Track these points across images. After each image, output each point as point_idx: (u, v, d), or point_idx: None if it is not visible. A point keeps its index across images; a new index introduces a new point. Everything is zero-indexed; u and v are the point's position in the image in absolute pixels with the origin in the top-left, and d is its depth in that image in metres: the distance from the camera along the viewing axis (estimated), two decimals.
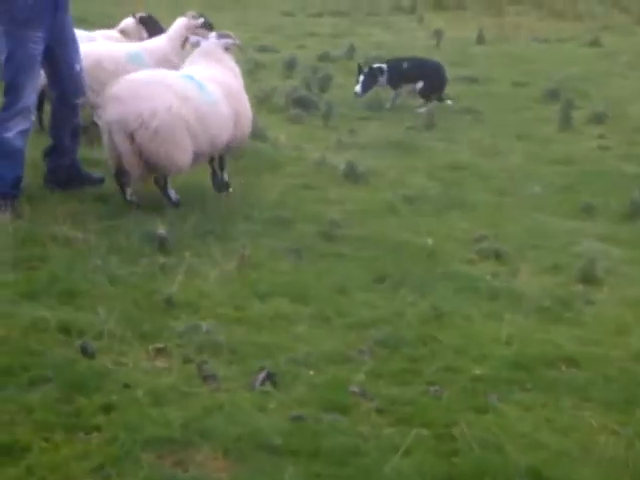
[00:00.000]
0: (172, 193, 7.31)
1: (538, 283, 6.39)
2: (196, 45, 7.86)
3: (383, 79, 11.24)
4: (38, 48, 7.08)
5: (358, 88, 11.12)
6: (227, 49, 7.89)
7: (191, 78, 7.33)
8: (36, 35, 7.04)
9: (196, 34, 8.37)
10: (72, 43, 7.49)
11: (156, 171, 7.20)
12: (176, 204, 7.26)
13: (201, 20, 9.12)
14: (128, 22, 10.07)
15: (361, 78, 11.13)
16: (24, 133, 7.17)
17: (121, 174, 7.18)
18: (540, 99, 11.72)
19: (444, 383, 5.03)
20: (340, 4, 18.88)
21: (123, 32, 9.93)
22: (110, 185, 7.64)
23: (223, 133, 7.41)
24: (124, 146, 6.96)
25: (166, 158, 7.03)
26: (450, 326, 5.70)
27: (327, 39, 15.57)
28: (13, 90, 7.08)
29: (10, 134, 7.08)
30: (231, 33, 8.12)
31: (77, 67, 7.56)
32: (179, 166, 7.16)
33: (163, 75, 7.36)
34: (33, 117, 7.30)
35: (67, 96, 7.53)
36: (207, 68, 7.62)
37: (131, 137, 6.93)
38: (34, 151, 8.30)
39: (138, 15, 10.03)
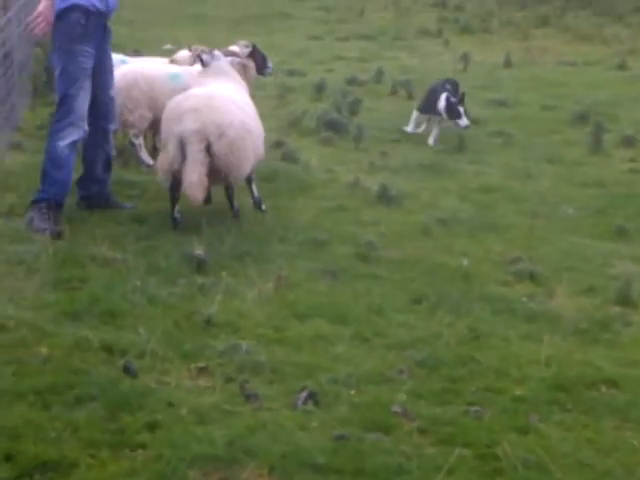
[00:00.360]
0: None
1: (574, 305, 6.41)
2: (207, 64, 8.03)
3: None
4: (89, 62, 7.39)
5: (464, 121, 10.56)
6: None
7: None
8: (86, 50, 7.35)
9: (242, 63, 8.46)
10: (110, 69, 7.77)
11: (223, 181, 7.47)
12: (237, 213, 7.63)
13: (248, 50, 9.09)
14: (182, 54, 9.96)
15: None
16: (75, 143, 7.44)
17: (176, 188, 7.31)
18: (569, 122, 11.75)
19: (484, 403, 5.06)
20: (367, 28, 18.97)
21: (174, 62, 9.79)
22: (147, 206, 7.73)
23: (260, 147, 7.71)
24: (199, 156, 7.14)
25: (237, 168, 7.34)
26: (488, 347, 5.72)
27: (355, 63, 15.65)
28: (66, 102, 7.35)
29: (63, 144, 7.32)
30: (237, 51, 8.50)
31: (111, 93, 7.77)
32: (244, 176, 7.56)
33: (226, 91, 7.66)
34: (86, 127, 7.46)
35: (101, 121, 7.70)
36: (228, 87, 7.83)
37: (207, 147, 7.15)
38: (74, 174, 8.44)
39: (194, 48, 9.78)
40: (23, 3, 10.83)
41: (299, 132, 10.73)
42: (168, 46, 15.77)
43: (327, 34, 18.45)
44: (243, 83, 8.19)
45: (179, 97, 7.51)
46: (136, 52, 13.76)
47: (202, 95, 7.47)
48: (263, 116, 11.29)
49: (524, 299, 6.49)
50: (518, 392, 5.17)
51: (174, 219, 7.40)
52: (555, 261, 7.21)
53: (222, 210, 7.71)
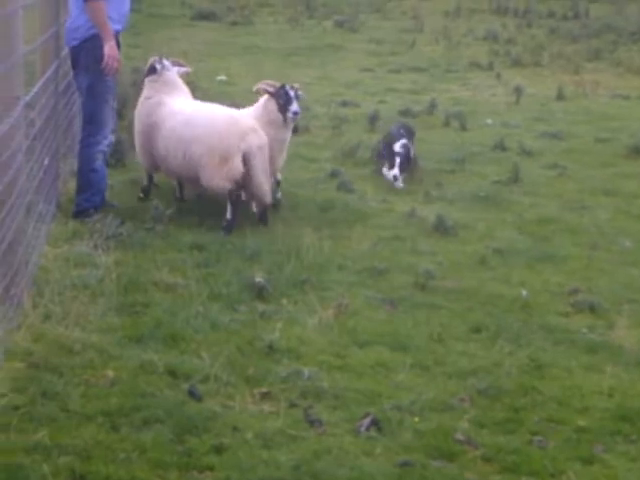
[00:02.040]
0: None
1: (636, 336, 6.39)
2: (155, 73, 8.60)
3: None
4: (112, 79, 8.05)
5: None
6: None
7: None
8: (117, 69, 7.98)
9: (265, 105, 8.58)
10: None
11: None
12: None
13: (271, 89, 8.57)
14: None
15: None
16: (105, 153, 8.15)
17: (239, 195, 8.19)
18: (624, 155, 11.69)
19: (548, 433, 5.07)
20: (418, 61, 19.04)
21: None
22: (205, 234, 7.82)
23: None
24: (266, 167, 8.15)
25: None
26: (550, 377, 5.73)
27: (406, 95, 15.68)
28: (96, 119, 8.02)
29: (97, 155, 8.00)
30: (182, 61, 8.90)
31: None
32: None
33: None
34: (112, 138, 8.23)
35: None
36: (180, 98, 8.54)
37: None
38: (131, 201, 8.56)
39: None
40: None
41: (354, 162, 10.78)
42: (222, 77, 15.97)
43: (378, 66, 18.51)
44: (189, 93, 8.78)
45: (225, 117, 8.25)
46: (191, 83, 13.96)
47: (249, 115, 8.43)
48: (318, 146, 11.55)
49: (584, 330, 6.48)
50: (581, 422, 5.18)
51: (232, 222, 8.06)
52: (614, 293, 7.18)
53: (281, 238, 7.78)
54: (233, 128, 8.05)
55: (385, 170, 10.14)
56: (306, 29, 23.11)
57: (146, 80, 8.71)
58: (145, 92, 8.63)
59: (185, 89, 8.76)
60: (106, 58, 7.85)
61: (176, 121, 8.27)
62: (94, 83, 7.95)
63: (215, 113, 8.39)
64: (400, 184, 9.91)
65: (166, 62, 8.62)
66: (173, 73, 8.63)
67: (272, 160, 8.35)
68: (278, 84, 8.55)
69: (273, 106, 8.46)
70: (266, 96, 8.53)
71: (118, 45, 8.15)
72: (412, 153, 10.38)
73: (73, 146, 9.32)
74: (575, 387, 5.59)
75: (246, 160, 7.98)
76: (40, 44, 7.55)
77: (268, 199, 8.25)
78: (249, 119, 8.33)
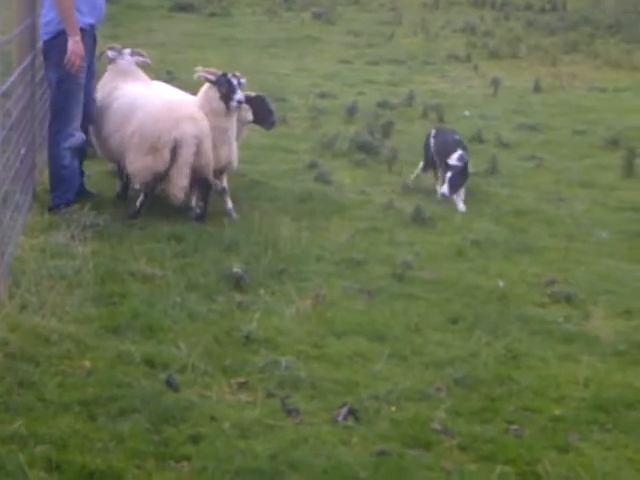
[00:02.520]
0: None
1: (612, 327, 6.43)
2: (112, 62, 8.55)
3: None
4: (82, 76, 7.94)
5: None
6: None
7: None
8: (82, 65, 7.85)
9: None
10: (94, 74, 8.37)
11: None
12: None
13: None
14: None
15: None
16: (76, 149, 8.04)
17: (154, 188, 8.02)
18: (601, 147, 11.77)
19: (524, 422, 5.10)
20: (396, 53, 19.06)
21: None
22: (183, 224, 7.81)
23: None
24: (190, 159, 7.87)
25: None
26: (526, 367, 5.76)
27: (385, 87, 15.70)
28: (63, 115, 7.93)
29: (66, 151, 7.94)
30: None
31: (94, 96, 8.34)
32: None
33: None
34: (83, 135, 8.11)
35: (84, 121, 8.17)
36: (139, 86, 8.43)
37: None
38: (109, 192, 8.54)
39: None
40: None
41: (332, 154, 10.79)
42: (199, 68, 15.94)
43: (356, 58, 18.54)
44: (149, 81, 8.68)
45: (163, 102, 8.12)
46: (169, 73, 13.91)
47: (189, 103, 8.19)
48: (296, 137, 11.55)
49: (560, 320, 6.51)
50: (557, 412, 5.21)
51: (138, 211, 7.97)
52: (591, 284, 7.22)
53: (259, 229, 7.77)
54: (167, 114, 7.91)
55: (438, 187, 9.31)
56: (284, 21, 23.10)
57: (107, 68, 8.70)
58: (102, 80, 8.59)
59: (142, 76, 8.62)
60: (69, 54, 7.76)
61: (119, 103, 8.24)
62: (63, 78, 7.87)
63: (156, 97, 8.26)
64: (461, 207, 9.03)
65: (124, 50, 8.55)
66: (128, 61, 8.53)
67: (215, 150, 8.12)
68: (220, 72, 8.32)
69: (214, 94, 8.13)
70: (207, 84, 8.24)
71: (94, 39, 8.13)
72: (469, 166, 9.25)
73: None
74: (551, 377, 5.62)
75: (176, 148, 7.80)
76: (16, 34, 7.50)
77: (180, 196, 7.89)
78: (190, 107, 8.10)
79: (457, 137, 9.59)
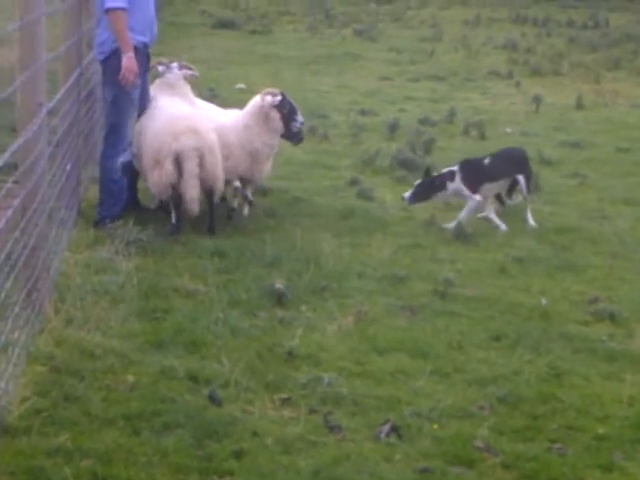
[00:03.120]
0: None
1: None
2: (161, 76, 8.69)
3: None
4: (136, 93, 8.18)
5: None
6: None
7: None
8: (135, 82, 8.05)
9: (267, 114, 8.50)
10: (147, 92, 8.50)
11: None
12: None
13: (278, 99, 8.52)
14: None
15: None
16: (125, 165, 8.21)
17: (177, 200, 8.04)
18: None
19: (567, 441, 5.07)
20: (437, 70, 19.06)
21: None
22: (226, 240, 7.86)
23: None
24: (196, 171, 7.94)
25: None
26: (569, 385, 5.73)
27: (426, 103, 15.70)
28: (117, 131, 8.17)
29: (117, 166, 8.12)
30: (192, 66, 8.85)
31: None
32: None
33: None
34: (132, 150, 8.26)
35: None
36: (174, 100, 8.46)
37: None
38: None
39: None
40: None
41: (373, 171, 10.81)
42: (241, 85, 16.02)
43: (397, 75, 18.54)
44: (190, 97, 8.70)
45: (170, 115, 8.19)
46: (210, 90, 14.01)
47: (194, 117, 8.24)
48: (337, 154, 11.58)
49: (604, 338, 6.46)
50: (601, 430, 5.18)
51: (176, 226, 8.05)
52: (635, 302, 7.16)
53: (300, 246, 7.80)
54: (168, 127, 8.00)
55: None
56: (325, 38, 23.18)
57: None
58: (151, 93, 8.67)
59: (185, 91, 8.67)
60: (123, 70, 7.95)
61: (146, 116, 8.37)
62: (117, 95, 8.11)
63: (168, 111, 8.27)
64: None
65: (172, 65, 8.66)
66: (176, 75, 8.64)
67: (259, 165, 8.48)
68: (278, 92, 8.53)
69: (276, 114, 8.40)
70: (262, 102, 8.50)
71: (148, 58, 8.32)
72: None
73: (94, 153, 9.38)
74: (594, 395, 5.59)
75: (179, 161, 7.88)
76: (63, 52, 7.60)
77: (193, 208, 7.95)
78: (195, 120, 8.13)
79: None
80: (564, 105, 15.64)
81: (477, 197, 8.90)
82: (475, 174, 9.00)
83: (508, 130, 13.50)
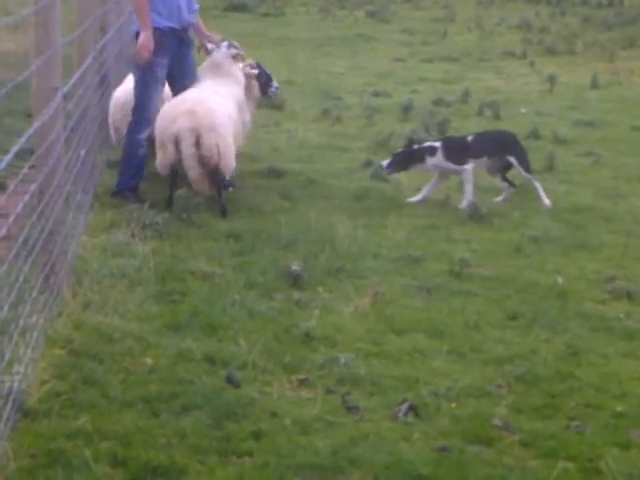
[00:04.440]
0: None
1: None
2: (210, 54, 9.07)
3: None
4: (162, 72, 8.55)
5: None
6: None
7: None
8: (160, 61, 8.48)
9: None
10: (188, 74, 8.80)
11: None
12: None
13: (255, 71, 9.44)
14: None
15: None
16: (146, 140, 8.55)
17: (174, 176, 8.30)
18: None
19: (585, 419, 5.07)
20: (450, 50, 19.01)
21: None
22: (240, 223, 7.88)
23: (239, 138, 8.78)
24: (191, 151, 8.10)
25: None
26: (587, 364, 5.72)
27: (439, 84, 15.66)
28: (142, 106, 8.50)
29: (139, 140, 8.51)
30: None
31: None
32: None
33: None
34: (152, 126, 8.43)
35: None
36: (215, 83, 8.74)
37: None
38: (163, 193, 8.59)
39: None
40: (118, 27, 11.11)
41: (387, 152, 10.75)
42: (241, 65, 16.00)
43: (410, 56, 18.51)
44: (236, 75, 9.01)
45: (172, 100, 8.54)
46: None
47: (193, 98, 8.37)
48: (351, 136, 11.57)
49: (621, 317, 6.45)
50: (619, 408, 5.17)
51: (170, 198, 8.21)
52: None
53: (316, 227, 7.81)
54: (169, 111, 8.23)
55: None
56: (338, 19, 23.14)
57: None
58: (199, 72, 9.06)
59: (231, 70, 8.98)
60: (137, 47, 8.37)
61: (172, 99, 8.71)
62: (143, 75, 8.48)
63: (183, 94, 8.52)
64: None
65: (222, 43, 9.03)
66: (223, 54, 8.96)
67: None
68: (253, 62, 9.37)
69: (255, 83, 9.37)
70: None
71: (184, 42, 8.71)
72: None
73: (108, 138, 9.40)
74: (612, 373, 5.58)
75: (177, 143, 8.05)
76: (77, 36, 7.61)
77: (199, 187, 8.21)
78: (191, 103, 8.23)
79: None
80: (578, 84, 15.59)
81: (467, 166, 9.00)
82: (459, 150, 9.10)
83: (522, 110, 13.47)
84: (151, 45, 8.31)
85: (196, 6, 8.89)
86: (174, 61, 8.62)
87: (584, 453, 4.70)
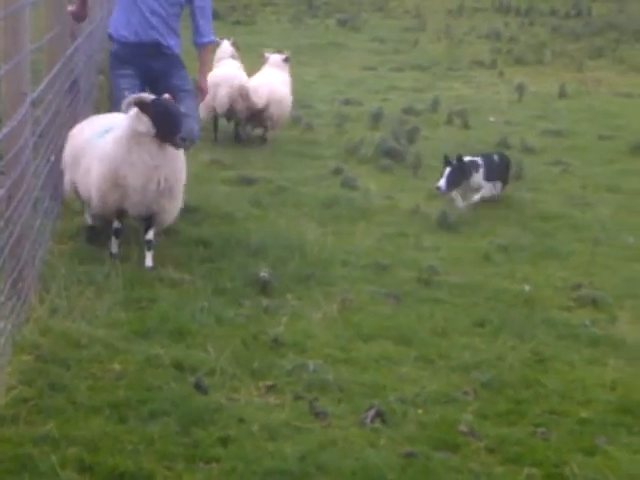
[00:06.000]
0: None
1: (638, 330, 6.42)
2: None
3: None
4: (129, 83, 8.14)
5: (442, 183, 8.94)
6: None
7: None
8: (124, 72, 8.22)
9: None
10: (175, 89, 8.08)
11: None
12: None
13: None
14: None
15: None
16: None
17: None
18: (627, 152, 11.73)
19: (550, 425, 5.11)
20: (421, 59, 19.09)
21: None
22: (210, 229, 7.88)
23: None
24: None
25: None
26: (552, 370, 5.77)
27: (409, 93, 15.71)
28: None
29: None
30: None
31: (181, 109, 7.92)
32: None
33: None
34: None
35: None
36: None
37: None
38: None
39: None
40: (89, 32, 11.08)
41: (357, 160, 10.84)
42: None
43: (381, 65, 18.57)
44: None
45: None
46: (195, 81, 13.93)
47: None
48: (321, 144, 11.60)
49: (587, 324, 6.51)
50: (584, 414, 5.22)
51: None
52: (617, 287, 7.23)
53: (285, 234, 7.83)
54: None
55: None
56: (309, 28, 23.18)
57: None
58: None
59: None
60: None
61: None
62: (114, 89, 8.46)
63: None
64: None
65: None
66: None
67: None
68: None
69: None
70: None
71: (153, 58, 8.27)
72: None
73: None
74: (578, 380, 5.63)
75: None
76: (47, 42, 7.59)
77: None
78: None
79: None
80: (547, 94, 15.70)
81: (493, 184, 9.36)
82: (494, 170, 9.34)
83: (491, 119, 13.56)
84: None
85: (204, 39, 8.59)
86: (150, 77, 8.24)
87: (549, 459, 4.75)
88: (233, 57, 11.82)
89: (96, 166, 6.92)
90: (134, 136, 6.78)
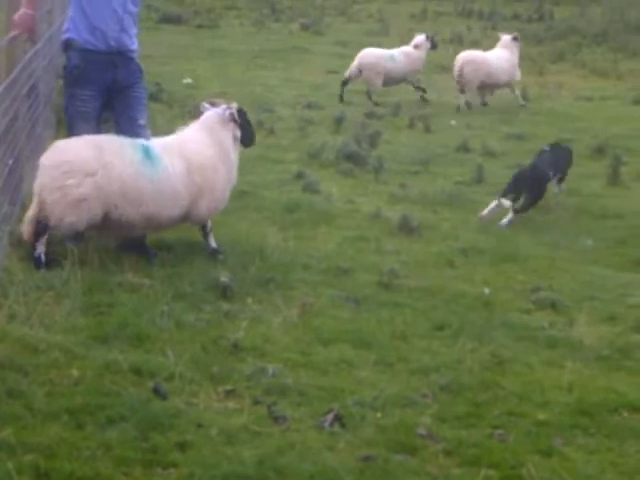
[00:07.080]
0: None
1: (595, 333, 6.49)
2: None
3: None
4: (88, 105, 7.57)
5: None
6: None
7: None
8: (85, 94, 7.55)
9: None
10: (135, 103, 7.76)
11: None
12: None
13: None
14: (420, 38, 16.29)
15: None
16: None
17: None
18: (587, 155, 11.86)
19: (508, 427, 5.15)
20: None
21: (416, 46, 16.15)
22: (171, 234, 7.85)
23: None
24: None
25: None
26: (511, 373, 5.82)
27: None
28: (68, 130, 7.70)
29: None
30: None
31: (141, 122, 7.82)
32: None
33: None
34: None
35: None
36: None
37: None
38: None
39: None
40: (49, 36, 11.02)
41: (319, 164, 10.87)
42: (188, 80, 15.97)
43: (344, 69, 18.53)
44: None
45: None
46: (157, 85, 13.90)
47: None
48: (283, 148, 11.61)
49: (545, 326, 6.57)
50: (541, 416, 5.26)
51: None
52: (575, 290, 7.30)
53: (246, 239, 7.82)
54: None
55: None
56: (272, 32, 23.19)
57: None
58: None
59: None
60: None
61: None
62: (66, 105, 7.79)
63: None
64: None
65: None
66: None
67: None
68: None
69: None
70: None
71: (112, 65, 7.65)
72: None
73: (36, 149, 9.31)
74: (535, 382, 5.68)
75: None
76: (4, 45, 7.53)
77: None
78: None
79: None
80: (509, 98, 15.80)
81: None
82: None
83: (453, 122, 13.64)
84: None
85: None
86: (110, 93, 7.65)
87: (507, 461, 4.78)
88: None
89: (218, 178, 7.39)
90: (236, 141, 7.59)
